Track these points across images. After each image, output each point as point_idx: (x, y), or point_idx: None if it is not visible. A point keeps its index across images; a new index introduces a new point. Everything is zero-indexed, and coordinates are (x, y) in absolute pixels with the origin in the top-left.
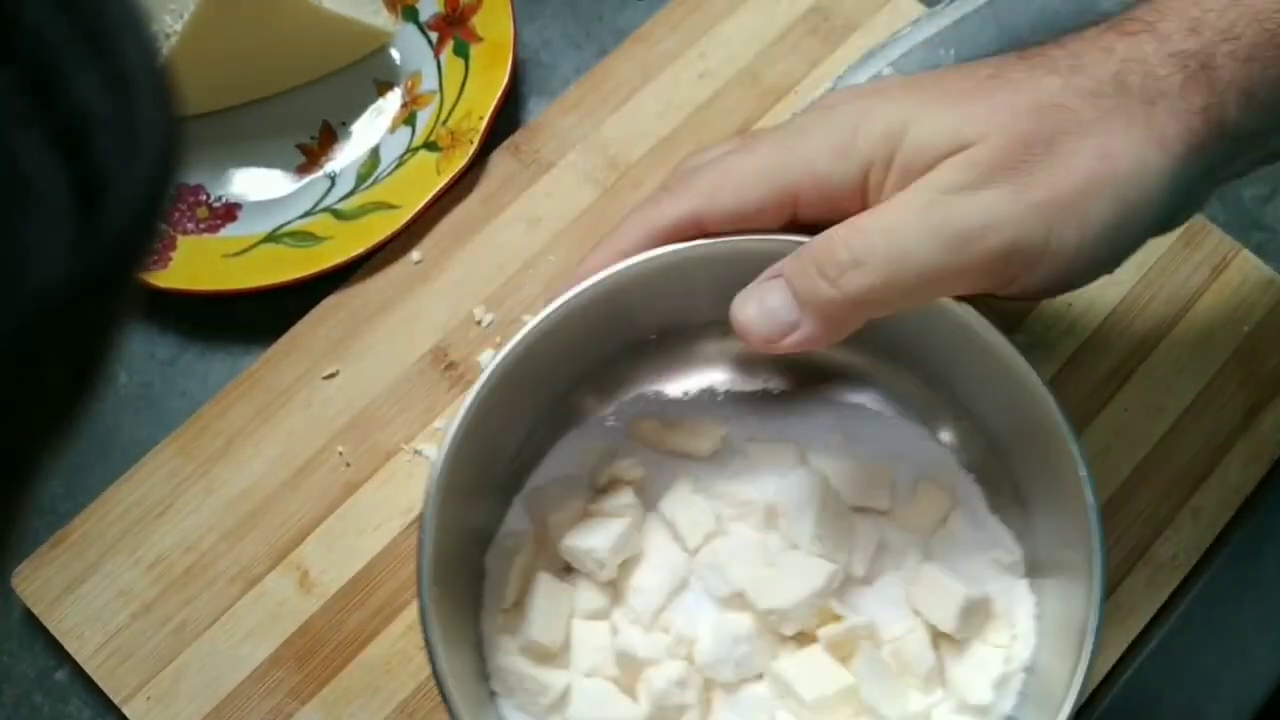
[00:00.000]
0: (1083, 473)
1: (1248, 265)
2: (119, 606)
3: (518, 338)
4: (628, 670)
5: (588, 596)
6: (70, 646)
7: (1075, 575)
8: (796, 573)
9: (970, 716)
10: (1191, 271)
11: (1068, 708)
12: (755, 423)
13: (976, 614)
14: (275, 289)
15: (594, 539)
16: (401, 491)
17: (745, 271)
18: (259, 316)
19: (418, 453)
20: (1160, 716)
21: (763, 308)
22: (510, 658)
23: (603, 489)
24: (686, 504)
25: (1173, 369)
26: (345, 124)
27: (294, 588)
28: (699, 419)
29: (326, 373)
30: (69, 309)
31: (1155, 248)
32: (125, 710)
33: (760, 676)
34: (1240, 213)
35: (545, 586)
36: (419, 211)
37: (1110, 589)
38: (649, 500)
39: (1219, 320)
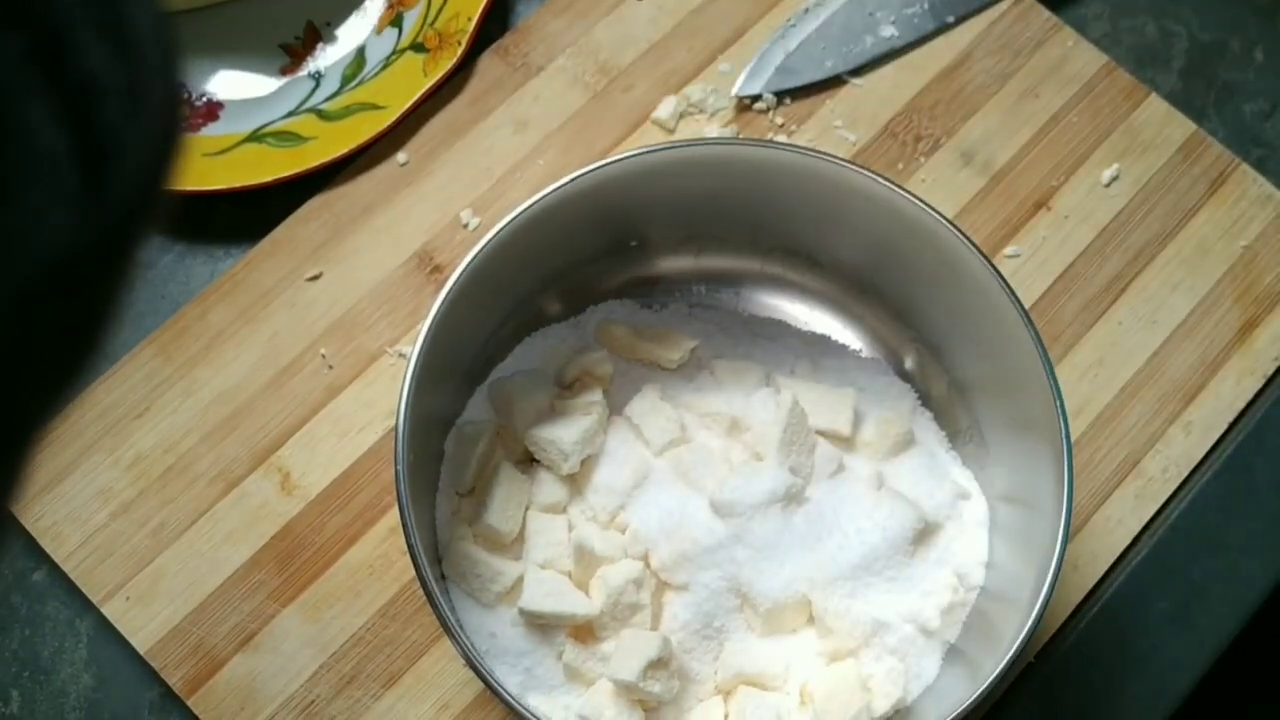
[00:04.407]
0: (1058, 409)
1: (1246, 180)
2: (98, 506)
3: (497, 228)
4: (584, 565)
5: (547, 489)
6: (47, 545)
7: (1033, 517)
8: (757, 478)
9: (920, 638)
10: (1190, 185)
11: (1017, 645)
12: (723, 341)
13: (928, 543)
14: (257, 189)
15: (560, 430)
16: (384, 395)
17: (732, 180)
18: (240, 218)
19: (401, 356)
20: (1149, 625)
21: None
22: (464, 544)
23: (569, 385)
24: (654, 409)
25: (1168, 283)
26: (330, 24)
27: (275, 490)
28: (669, 330)
29: (310, 275)
30: (75, 272)
31: (1153, 161)
32: (104, 610)
33: None
34: (1240, 128)
35: (505, 475)
36: (405, 113)
37: (1100, 501)
38: (613, 405)
39: (1216, 235)
